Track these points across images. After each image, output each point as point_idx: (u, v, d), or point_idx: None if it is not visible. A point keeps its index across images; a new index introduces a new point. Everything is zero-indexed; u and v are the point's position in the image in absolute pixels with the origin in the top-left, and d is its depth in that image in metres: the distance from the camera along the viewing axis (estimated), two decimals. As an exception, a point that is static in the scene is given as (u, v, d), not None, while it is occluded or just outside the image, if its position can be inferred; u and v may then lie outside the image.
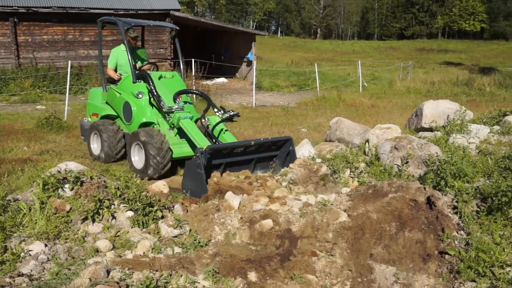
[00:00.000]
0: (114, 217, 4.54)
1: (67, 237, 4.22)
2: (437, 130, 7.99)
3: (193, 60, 18.55)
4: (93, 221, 4.42)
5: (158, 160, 6.39)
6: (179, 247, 4.19)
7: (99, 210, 4.49)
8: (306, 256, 4.06)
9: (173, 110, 6.75)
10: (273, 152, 6.37)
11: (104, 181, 4.93)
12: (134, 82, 7.11)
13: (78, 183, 4.73)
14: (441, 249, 4.09)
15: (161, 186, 5.45)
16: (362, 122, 10.15)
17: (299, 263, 3.94)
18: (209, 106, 7.05)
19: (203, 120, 6.93)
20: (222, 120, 6.80)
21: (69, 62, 13.98)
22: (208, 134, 6.79)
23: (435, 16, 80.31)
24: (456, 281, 3.63)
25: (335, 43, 72.14)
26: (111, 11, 20.11)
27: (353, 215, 4.63)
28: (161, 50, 22.34)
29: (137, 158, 6.79)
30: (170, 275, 3.49)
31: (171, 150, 6.55)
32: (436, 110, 8.76)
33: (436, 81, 23.97)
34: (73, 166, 5.23)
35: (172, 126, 6.91)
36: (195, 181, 5.51)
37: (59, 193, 4.65)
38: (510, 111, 9.75)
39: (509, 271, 3.60)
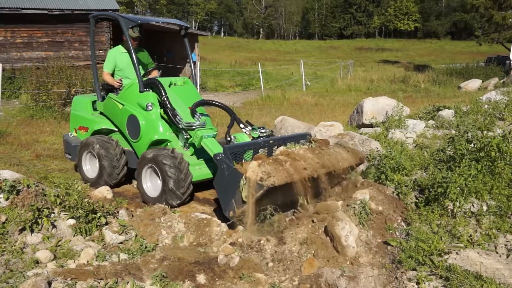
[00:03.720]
0: (54, 226, 4.35)
1: (4, 249, 4.00)
2: (377, 126, 8.29)
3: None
4: (32, 231, 4.22)
5: (180, 190, 5.27)
6: (125, 254, 4.09)
7: (38, 220, 4.29)
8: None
9: (194, 127, 5.58)
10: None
11: (43, 189, 4.71)
12: (141, 91, 5.91)
13: (14, 192, 4.50)
14: (383, 240, 4.25)
15: (104, 191, 5.28)
16: (306, 120, 10.34)
17: (248, 262, 3.95)
18: (233, 121, 5.84)
19: (228, 138, 5.70)
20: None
21: (0, 65, 13.25)
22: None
23: (372, 16, 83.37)
24: (398, 271, 3.78)
25: (277, 43, 73.11)
26: (45, 11, 19.26)
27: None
28: (100, 51, 21.66)
29: (150, 184, 5.61)
30: (116, 282, 3.40)
31: (191, 176, 5.43)
32: (376, 106, 9.10)
33: (375, 79, 24.87)
34: (8, 174, 4.96)
35: (190, 145, 5.84)
36: (234, 186, 4.46)
37: (-7, 204, 4.40)
38: (444, 106, 10.29)
39: (447, 258, 3.79)
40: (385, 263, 3.96)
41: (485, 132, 5.92)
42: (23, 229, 4.19)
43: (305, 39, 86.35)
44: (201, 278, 3.70)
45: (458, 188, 4.57)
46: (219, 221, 4.60)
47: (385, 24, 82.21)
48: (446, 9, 79.45)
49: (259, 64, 22.97)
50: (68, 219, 4.41)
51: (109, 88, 6.50)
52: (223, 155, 4.66)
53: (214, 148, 5.27)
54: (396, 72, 28.57)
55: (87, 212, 4.43)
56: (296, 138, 5.31)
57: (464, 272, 3.52)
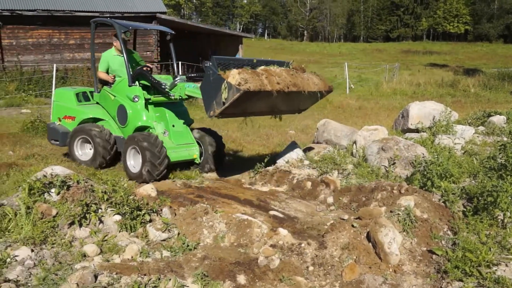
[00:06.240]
0: (101, 222, 4.50)
1: (54, 242, 4.17)
2: (423, 131, 8.07)
3: (180, 62, 18.52)
4: (80, 225, 4.38)
5: (156, 165, 6.27)
6: (168, 251, 4.17)
7: (86, 215, 4.45)
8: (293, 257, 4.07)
9: (176, 82, 6.58)
10: None
11: (91, 185, 4.89)
12: (130, 86, 6.92)
13: (65, 188, 4.69)
14: (428, 249, 4.13)
15: (148, 189, 5.42)
16: (349, 124, 10.21)
17: (288, 265, 3.94)
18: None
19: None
20: None
21: (54, 65, 13.87)
22: None
23: (420, 18, 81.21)
24: (443, 281, 3.66)
25: (321, 45, 72.52)
26: (97, 14, 19.98)
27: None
28: (148, 53, 22.23)
29: (133, 162, 6.62)
30: (159, 279, 3.47)
31: (167, 159, 6.45)
32: (422, 111, 8.84)
33: (421, 82, 24.21)
34: (59, 170, 5.17)
35: (180, 98, 6.75)
36: (216, 90, 5.30)
37: (45, 198, 4.60)
38: (495, 111, 9.88)
39: (496, 270, 3.64)
40: (429, 273, 3.85)
41: (539, 139, 5.65)
42: (72, 223, 4.36)
43: (350, 41, 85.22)
44: (241, 279, 3.72)
45: (510, 198, 4.38)
46: (260, 223, 4.61)
47: (433, 26, 79.91)
48: (498, 11, 76.18)
49: (303, 66, 22.87)
50: (114, 215, 4.54)
51: (104, 82, 7.49)
52: (210, 63, 5.46)
53: (197, 92, 6.20)
54: (445, 76, 27.67)
55: (132, 209, 4.56)
56: (278, 63, 6.07)
57: (515, 286, 3.37)
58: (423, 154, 6.23)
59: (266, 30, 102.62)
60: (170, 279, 3.45)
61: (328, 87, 6.33)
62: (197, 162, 7.02)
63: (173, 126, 6.94)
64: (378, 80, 26.64)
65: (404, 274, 3.85)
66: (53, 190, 4.67)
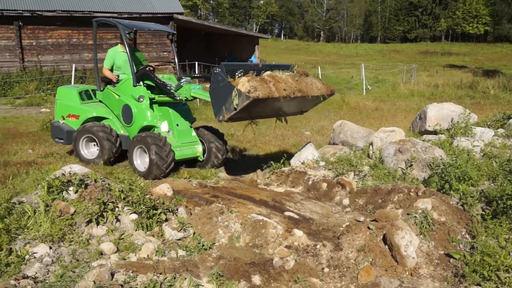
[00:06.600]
0: (118, 220, 4.55)
1: (72, 239, 4.23)
2: (441, 133, 7.98)
3: (196, 63, 18.59)
4: (98, 223, 4.43)
5: (162, 164, 6.41)
6: (183, 250, 4.19)
7: (103, 213, 4.50)
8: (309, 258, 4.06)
9: (182, 83, 6.68)
10: None
11: (108, 184, 4.94)
12: (134, 86, 7.01)
13: (83, 186, 4.75)
14: (446, 252, 4.08)
15: (165, 189, 5.46)
16: (366, 125, 10.14)
17: (303, 266, 3.93)
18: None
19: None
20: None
21: (73, 65, 14.06)
22: None
23: (439, 19, 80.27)
24: (461, 285, 3.62)
25: (338, 46, 72.19)
26: (115, 15, 20.20)
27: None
28: (165, 53, 22.39)
29: (139, 161, 6.77)
30: (174, 278, 3.49)
31: (173, 153, 6.61)
32: (440, 113, 8.75)
33: (440, 84, 23.93)
34: (78, 169, 5.25)
35: (185, 99, 6.81)
36: (226, 96, 5.47)
37: (63, 196, 4.67)
38: (515, 114, 9.70)
39: (515, 275, 3.58)
40: (447, 276, 3.80)
41: (561, 143, 5.53)
42: (90, 221, 4.42)
43: (367, 42, 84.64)
44: (256, 279, 3.72)
45: (530, 202, 4.30)
46: (275, 223, 4.61)
47: (452, 27, 78.89)
48: (520, 11, 74.93)
49: (319, 67, 22.80)
50: (131, 213, 4.59)
51: (107, 81, 7.52)
52: (219, 70, 5.60)
53: (203, 94, 6.47)
54: (463, 77, 27.30)
55: (149, 208, 4.60)
56: (282, 67, 6.24)
57: (535, 291, 3.31)
58: (441, 156, 6.16)
59: (283, 31, 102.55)
60: (185, 278, 3.47)
61: (330, 91, 6.54)
62: (201, 159, 7.19)
63: (177, 125, 7.07)
64: (395, 81, 26.42)
65: (421, 278, 3.81)
66: (71, 188, 4.74)
